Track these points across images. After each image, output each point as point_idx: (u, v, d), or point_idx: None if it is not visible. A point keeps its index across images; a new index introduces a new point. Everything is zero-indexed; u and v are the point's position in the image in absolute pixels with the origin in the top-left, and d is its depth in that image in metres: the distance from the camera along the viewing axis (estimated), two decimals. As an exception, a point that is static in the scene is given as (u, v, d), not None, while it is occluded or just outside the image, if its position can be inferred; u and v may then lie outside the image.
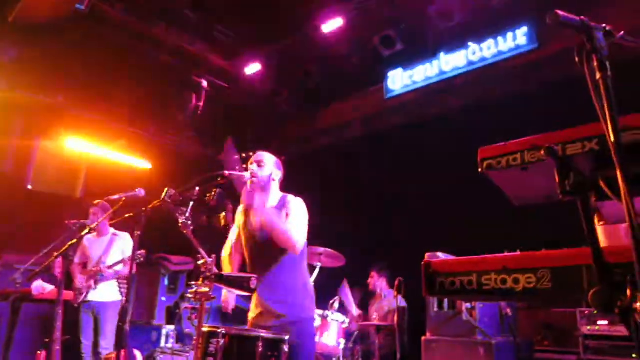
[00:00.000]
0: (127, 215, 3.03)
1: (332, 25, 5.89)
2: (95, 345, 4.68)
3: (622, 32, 1.17)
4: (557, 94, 4.79)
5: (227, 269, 2.96)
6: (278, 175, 3.00)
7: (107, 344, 4.66)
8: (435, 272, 1.47)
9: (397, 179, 6.08)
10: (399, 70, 6.35)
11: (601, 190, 1.30)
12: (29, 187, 7.92)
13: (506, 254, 1.42)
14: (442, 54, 5.95)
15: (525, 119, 4.56)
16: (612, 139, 1.01)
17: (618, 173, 0.99)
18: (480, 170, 1.43)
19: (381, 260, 5.61)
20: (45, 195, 7.96)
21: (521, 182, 1.47)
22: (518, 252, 1.39)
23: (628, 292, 1.01)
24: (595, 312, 3.64)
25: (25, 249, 5.71)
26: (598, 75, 1.07)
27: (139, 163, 8.10)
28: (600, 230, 1.48)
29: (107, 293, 4.83)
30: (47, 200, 7.84)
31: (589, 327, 3.88)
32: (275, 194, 2.99)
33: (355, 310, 5.39)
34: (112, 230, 5.12)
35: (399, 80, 6.36)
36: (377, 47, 5.98)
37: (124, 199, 3.12)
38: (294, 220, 2.81)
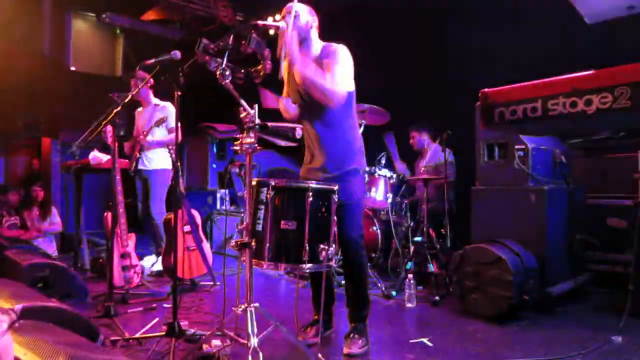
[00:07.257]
0: (163, 78, 2.98)
1: None
2: (147, 210, 4.97)
3: None
4: None
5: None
6: (315, 22, 2.82)
7: (158, 210, 4.94)
8: (494, 102, 1.35)
9: (437, 31, 5.67)
10: None
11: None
12: (72, 68, 7.96)
13: (577, 74, 1.27)
14: None
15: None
16: None
17: None
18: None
19: (420, 117, 5.47)
20: (88, 75, 8.03)
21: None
22: (591, 71, 1.23)
23: None
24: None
25: (80, 126, 5.94)
26: None
27: (173, 33, 7.91)
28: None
29: (155, 161, 5.02)
30: (91, 80, 7.93)
31: (648, 170, 3.71)
32: (316, 42, 2.84)
33: (399, 163, 5.41)
34: (155, 100, 5.16)
35: None
36: None
37: (160, 62, 3.04)
38: (337, 69, 2.66)
